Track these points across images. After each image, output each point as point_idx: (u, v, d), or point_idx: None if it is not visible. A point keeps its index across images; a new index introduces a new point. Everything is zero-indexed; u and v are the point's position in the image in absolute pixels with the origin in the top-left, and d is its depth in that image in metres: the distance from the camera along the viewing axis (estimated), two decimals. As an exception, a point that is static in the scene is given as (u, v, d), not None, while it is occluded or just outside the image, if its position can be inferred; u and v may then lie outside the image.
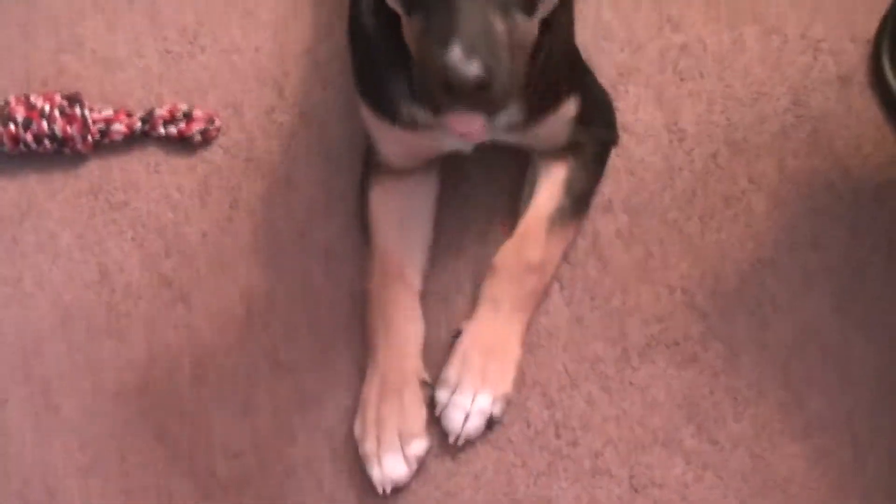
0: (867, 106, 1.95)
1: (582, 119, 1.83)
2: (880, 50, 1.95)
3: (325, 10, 2.09)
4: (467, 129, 1.66)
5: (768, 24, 2.01)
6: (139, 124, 2.01)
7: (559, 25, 1.68)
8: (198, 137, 2.01)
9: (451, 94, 1.34)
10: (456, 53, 1.32)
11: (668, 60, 2.01)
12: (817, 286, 1.86)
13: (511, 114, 1.69)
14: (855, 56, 1.98)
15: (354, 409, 1.84)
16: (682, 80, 1.99)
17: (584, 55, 1.89)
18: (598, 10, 2.04)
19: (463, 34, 1.33)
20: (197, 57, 2.09)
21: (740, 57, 2.00)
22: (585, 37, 1.98)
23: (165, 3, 2.14)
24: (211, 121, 2.02)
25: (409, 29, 1.46)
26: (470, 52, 1.32)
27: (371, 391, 1.81)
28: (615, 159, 1.93)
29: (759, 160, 1.93)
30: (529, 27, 1.45)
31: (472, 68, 1.31)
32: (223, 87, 2.06)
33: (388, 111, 1.73)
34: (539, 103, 1.72)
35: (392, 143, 1.81)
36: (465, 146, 1.79)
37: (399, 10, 1.48)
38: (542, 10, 1.49)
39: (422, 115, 1.68)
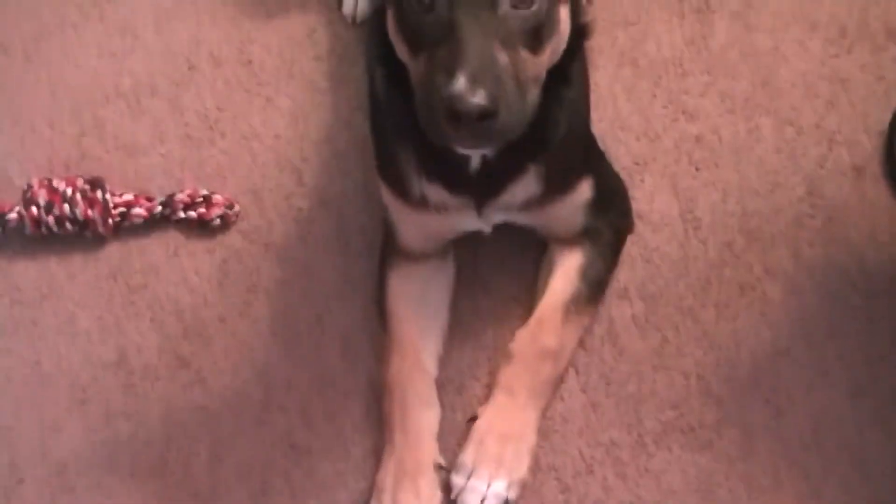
0: (881, 196, 2.16)
1: (597, 205, 2.03)
2: (893, 141, 2.17)
3: (344, 99, 2.33)
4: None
5: (783, 116, 2.24)
6: (159, 208, 2.23)
7: (577, 84, 1.88)
8: (217, 222, 2.23)
9: (456, 123, 1.54)
10: (461, 83, 1.51)
11: (684, 150, 2.23)
12: (833, 376, 2.04)
13: (529, 189, 1.90)
14: (868, 147, 2.20)
15: (370, 493, 2.00)
16: (697, 169, 2.21)
17: (601, 145, 2.11)
18: (614, 101, 2.28)
19: (467, 65, 1.52)
20: (217, 143, 2.33)
21: (755, 147, 2.22)
22: (602, 127, 2.21)
23: (186, 89, 2.39)
24: (230, 205, 2.24)
25: (416, 71, 1.65)
26: (474, 81, 1.51)
27: (387, 475, 1.98)
28: (631, 247, 2.14)
29: (775, 249, 2.13)
30: (536, 64, 1.64)
31: (477, 97, 1.51)
32: (243, 173, 2.30)
33: (403, 190, 1.94)
34: (556, 179, 1.92)
35: (410, 224, 2.01)
36: (483, 227, 2.00)
37: (405, 56, 1.68)
38: (550, 52, 1.67)
39: (433, 193, 1.89)
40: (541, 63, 1.66)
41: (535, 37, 1.63)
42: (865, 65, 2.27)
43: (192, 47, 2.43)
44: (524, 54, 1.61)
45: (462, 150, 1.75)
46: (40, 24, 2.50)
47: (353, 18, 2.40)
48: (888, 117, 2.21)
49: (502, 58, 1.57)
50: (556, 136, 1.84)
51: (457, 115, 1.52)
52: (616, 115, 2.26)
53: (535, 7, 1.61)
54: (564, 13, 1.69)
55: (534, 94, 1.65)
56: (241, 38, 2.43)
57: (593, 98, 2.10)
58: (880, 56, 2.28)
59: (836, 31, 2.31)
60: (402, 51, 1.69)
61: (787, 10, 2.34)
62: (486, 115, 1.53)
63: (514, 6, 1.59)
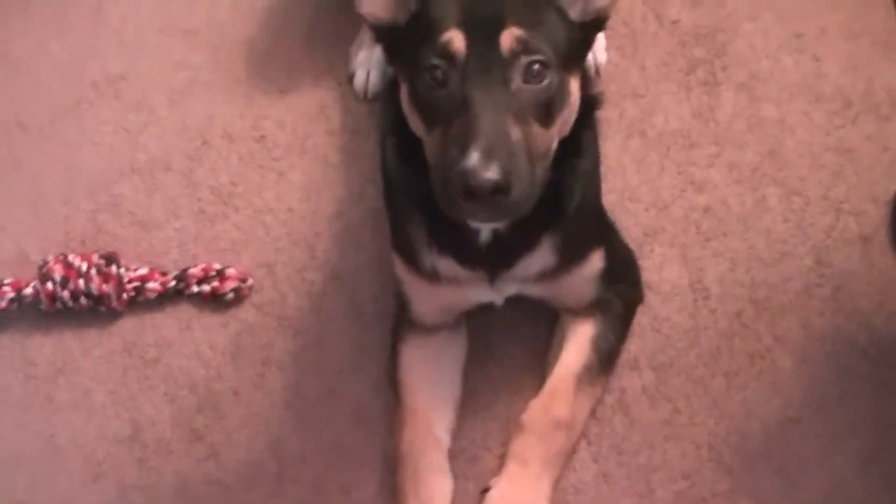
0: (889, 265, 2.22)
1: (608, 276, 2.09)
2: (900, 210, 2.25)
3: (356, 174, 2.41)
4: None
5: (790, 186, 2.31)
6: (173, 282, 2.30)
7: (590, 154, 1.95)
8: (230, 295, 2.30)
9: (471, 197, 1.60)
10: (475, 158, 1.58)
11: (692, 221, 2.30)
12: (844, 444, 2.08)
13: (544, 260, 1.96)
14: (876, 217, 2.27)
15: (383, 565, 2.06)
16: (706, 240, 2.28)
17: (611, 216, 2.18)
18: (624, 173, 2.35)
19: (481, 140, 1.60)
20: (231, 217, 2.41)
21: (763, 217, 2.29)
22: (612, 198, 2.28)
23: (200, 165, 2.47)
24: (243, 279, 2.31)
25: (430, 145, 1.73)
26: (488, 156, 1.58)
27: (401, 546, 2.02)
28: (641, 317, 2.20)
29: (784, 318, 2.19)
30: (546, 137, 1.72)
31: (490, 172, 1.58)
32: (256, 247, 2.37)
33: (414, 263, 2.00)
34: (570, 250, 1.98)
35: (423, 296, 2.08)
36: (495, 299, 2.06)
37: (420, 131, 1.76)
38: (561, 123, 1.75)
39: (444, 265, 1.96)
40: (551, 136, 1.74)
41: (546, 111, 1.70)
42: (870, 135, 2.35)
43: (206, 123, 2.52)
44: (535, 128, 1.69)
45: (475, 224, 1.82)
46: (57, 102, 2.60)
47: (365, 93, 2.49)
48: (894, 187, 2.28)
49: (515, 132, 1.64)
50: (570, 206, 1.91)
51: (471, 189, 1.59)
52: (625, 186, 2.34)
53: (546, 82, 1.69)
54: (574, 86, 1.77)
55: (544, 167, 1.72)
56: (255, 113, 2.52)
57: (603, 169, 2.17)
58: (885, 126, 2.35)
59: (841, 103, 2.39)
60: (415, 124, 1.77)
61: (793, 81, 2.42)
62: (499, 189, 1.60)
63: (526, 81, 1.68)
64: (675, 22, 2.52)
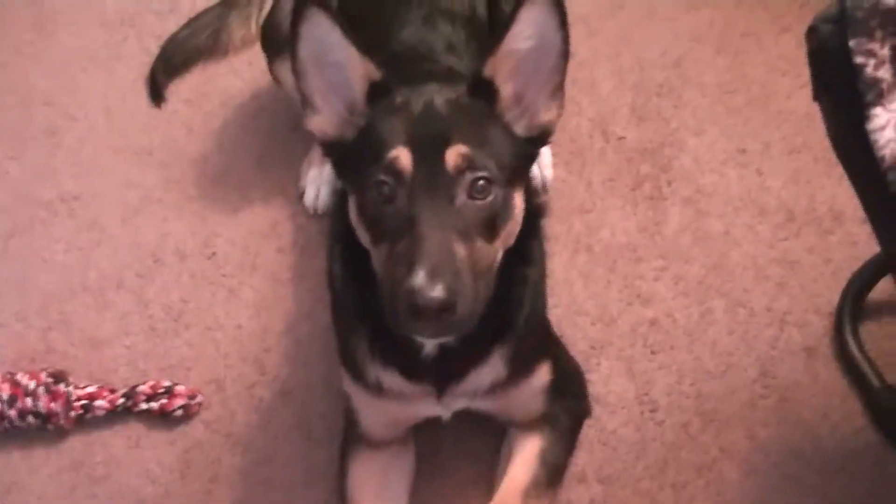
0: (833, 376, 2.32)
1: (555, 390, 2.17)
2: (842, 322, 2.34)
3: (306, 290, 2.52)
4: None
5: (735, 298, 2.42)
6: (121, 400, 2.37)
7: (537, 263, 2.03)
8: (179, 412, 2.37)
9: (417, 315, 1.67)
10: (420, 278, 1.66)
11: (639, 334, 2.40)
12: (792, 554, 2.16)
13: (495, 372, 2.03)
14: (819, 328, 2.38)
15: None
16: (652, 353, 2.38)
17: (557, 330, 2.27)
18: (571, 287, 2.46)
19: (427, 260, 1.67)
20: (182, 334, 2.50)
21: (709, 329, 2.40)
22: (559, 312, 2.39)
23: (151, 283, 2.57)
24: (192, 396, 2.39)
25: (378, 259, 1.81)
26: (434, 276, 1.66)
27: None
28: (588, 430, 2.28)
29: (730, 430, 2.28)
30: (490, 251, 1.79)
31: (436, 292, 1.66)
32: (206, 364, 2.45)
33: (359, 376, 2.07)
34: (520, 361, 2.05)
35: (370, 410, 2.14)
36: (443, 414, 2.13)
37: (367, 243, 1.83)
38: (505, 236, 1.82)
39: (389, 379, 2.03)
40: (495, 250, 1.82)
41: (491, 225, 1.78)
42: (813, 247, 2.48)
43: (157, 241, 2.63)
44: (479, 244, 1.77)
45: (421, 340, 1.91)
46: (11, 221, 2.71)
47: (315, 210, 2.61)
48: (837, 298, 2.38)
49: (460, 250, 1.73)
50: (521, 317, 2.00)
51: (417, 308, 1.67)
52: (572, 300, 2.45)
53: (490, 197, 1.77)
54: (518, 198, 1.85)
55: (488, 281, 1.80)
56: (207, 231, 2.63)
57: (550, 284, 2.26)
58: (827, 239, 2.48)
59: (784, 216, 2.52)
60: (363, 237, 1.85)
61: (737, 195, 2.56)
62: (444, 308, 1.68)
63: (471, 197, 1.76)
64: (621, 138, 2.66)
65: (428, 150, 1.75)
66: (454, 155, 1.75)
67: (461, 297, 1.69)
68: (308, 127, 1.88)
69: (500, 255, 1.84)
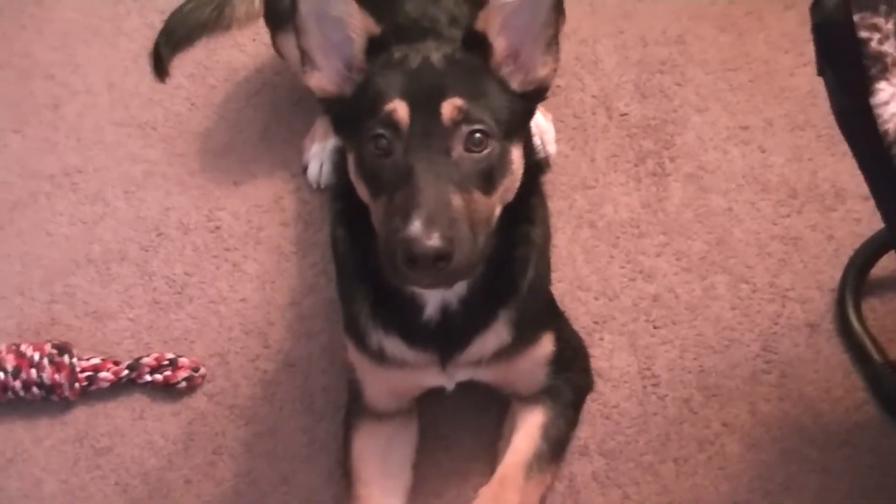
0: (835, 351, 2.35)
1: (558, 363, 2.20)
2: (845, 298, 2.37)
3: (309, 264, 2.54)
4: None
5: (738, 274, 2.45)
6: (126, 372, 2.40)
7: (541, 222, 2.05)
8: (183, 385, 2.40)
9: (414, 265, 1.70)
10: (417, 227, 1.68)
11: (641, 309, 2.43)
12: (792, 528, 2.19)
13: (500, 337, 2.05)
14: (821, 304, 2.40)
15: None
16: (655, 328, 2.41)
17: (560, 305, 2.30)
18: (573, 263, 2.49)
19: (423, 209, 1.69)
20: (185, 307, 2.52)
21: (711, 305, 2.42)
22: (562, 287, 2.42)
23: (155, 256, 2.60)
24: (196, 369, 2.41)
25: (376, 213, 1.83)
26: (430, 225, 1.68)
27: None
28: (591, 404, 2.31)
29: (732, 405, 2.30)
30: (488, 204, 1.81)
31: (432, 240, 1.68)
32: (210, 337, 2.48)
33: (362, 343, 2.09)
34: (525, 327, 2.07)
35: (374, 380, 2.17)
36: (446, 384, 2.16)
37: (366, 198, 1.85)
38: (503, 191, 1.83)
39: (391, 345, 2.05)
40: (493, 203, 1.83)
41: (488, 178, 1.81)
42: (816, 224, 2.50)
43: (161, 215, 2.65)
44: (477, 196, 1.79)
45: (420, 290, 1.92)
46: (13, 194, 2.73)
47: (318, 184, 2.64)
48: (839, 275, 2.41)
49: (456, 200, 1.75)
50: (525, 279, 2.03)
51: (414, 257, 1.69)
52: (575, 275, 2.47)
53: (487, 150, 1.79)
54: (516, 153, 1.87)
55: (486, 233, 1.82)
56: (210, 205, 2.66)
57: (553, 259, 2.29)
58: (829, 216, 2.51)
59: (786, 193, 2.54)
60: (362, 192, 1.87)
61: (740, 172, 2.58)
62: (441, 257, 1.70)
63: (468, 150, 1.78)
64: (624, 115, 2.68)
65: (424, 103, 1.78)
66: (450, 107, 1.78)
67: (457, 246, 1.72)
68: (308, 83, 1.91)
69: (498, 209, 1.85)
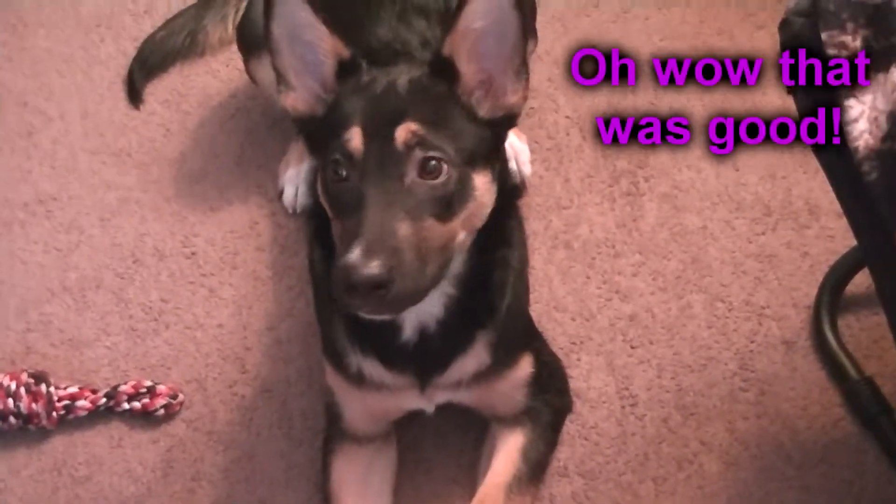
0: (811, 368, 2.36)
1: (537, 384, 2.20)
2: (820, 315, 2.38)
3: (286, 288, 2.55)
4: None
5: (713, 293, 2.47)
6: (103, 400, 2.39)
7: (517, 245, 2.06)
8: (161, 412, 2.39)
9: (353, 292, 1.69)
10: (356, 255, 1.68)
11: (618, 329, 2.44)
12: (771, 546, 2.20)
13: (480, 360, 2.06)
14: (797, 321, 2.42)
15: None
16: (632, 347, 2.42)
17: (537, 326, 2.31)
18: (550, 284, 2.50)
19: (364, 238, 1.69)
20: (162, 334, 2.52)
21: (688, 324, 2.44)
22: (539, 309, 2.42)
23: (131, 283, 2.60)
24: (174, 395, 2.41)
25: (335, 235, 1.83)
26: (369, 253, 1.68)
27: None
28: (569, 425, 2.32)
29: (710, 423, 2.32)
30: (444, 231, 1.79)
31: (369, 269, 1.67)
32: (187, 363, 2.48)
33: (341, 366, 2.09)
34: (503, 349, 2.08)
35: (353, 404, 2.17)
36: (425, 407, 2.16)
37: (331, 217, 1.85)
38: (466, 218, 1.81)
39: (370, 368, 2.06)
40: (451, 230, 1.81)
41: (446, 206, 1.79)
42: (790, 242, 2.52)
43: (136, 241, 2.65)
44: (430, 223, 1.77)
45: (366, 316, 1.87)
46: (-13, 223, 2.71)
47: (294, 208, 2.64)
48: (814, 292, 2.43)
49: (403, 228, 1.73)
50: (503, 302, 2.03)
51: (352, 284, 1.69)
52: (551, 296, 2.48)
53: (443, 177, 1.78)
54: (481, 180, 1.84)
55: (443, 260, 1.81)
56: (185, 231, 2.66)
57: (529, 280, 2.29)
58: (804, 233, 2.53)
59: (760, 211, 2.56)
60: (328, 212, 1.88)
61: (714, 191, 2.60)
62: (378, 285, 1.69)
63: (422, 176, 1.77)
64: (597, 135, 2.69)
65: (381, 128, 1.78)
66: (404, 132, 1.77)
67: (399, 273, 1.70)
68: (282, 103, 1.92)
69: (462, 235, 1.84)
